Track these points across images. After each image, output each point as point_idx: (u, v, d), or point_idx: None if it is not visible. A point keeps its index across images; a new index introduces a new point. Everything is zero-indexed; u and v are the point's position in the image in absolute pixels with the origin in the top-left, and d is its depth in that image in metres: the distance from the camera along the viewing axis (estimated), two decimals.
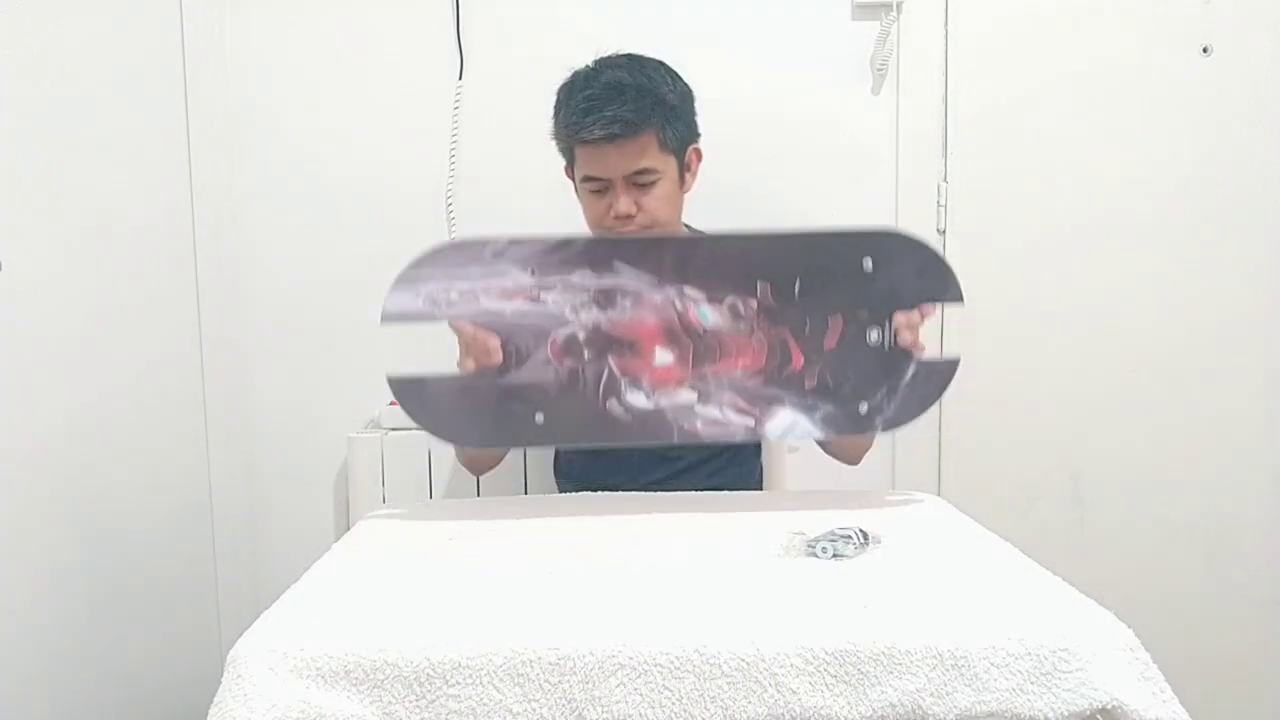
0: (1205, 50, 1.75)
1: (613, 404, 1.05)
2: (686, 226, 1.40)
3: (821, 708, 0.73)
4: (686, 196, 1.36)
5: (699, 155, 1.35)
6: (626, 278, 1.05)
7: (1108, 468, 1.80)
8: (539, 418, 1.05)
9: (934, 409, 1.72)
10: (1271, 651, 1.82)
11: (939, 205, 1.76)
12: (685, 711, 0.73)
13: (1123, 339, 1.78)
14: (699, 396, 1.06)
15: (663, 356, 1.06)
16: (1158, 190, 1.77)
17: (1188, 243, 1.77)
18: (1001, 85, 1.75)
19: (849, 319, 1.06)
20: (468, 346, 1.08)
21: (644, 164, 1.26)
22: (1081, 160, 1.76)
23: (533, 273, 1.05)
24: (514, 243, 1.05)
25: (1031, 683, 0.74)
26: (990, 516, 1.12)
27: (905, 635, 0.75)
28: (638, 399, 1.05)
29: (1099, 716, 0.74)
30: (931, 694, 0.74)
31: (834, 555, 0.93)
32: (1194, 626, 1.79)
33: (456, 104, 1.72)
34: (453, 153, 1.73)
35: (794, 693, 0.73)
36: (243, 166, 1.72)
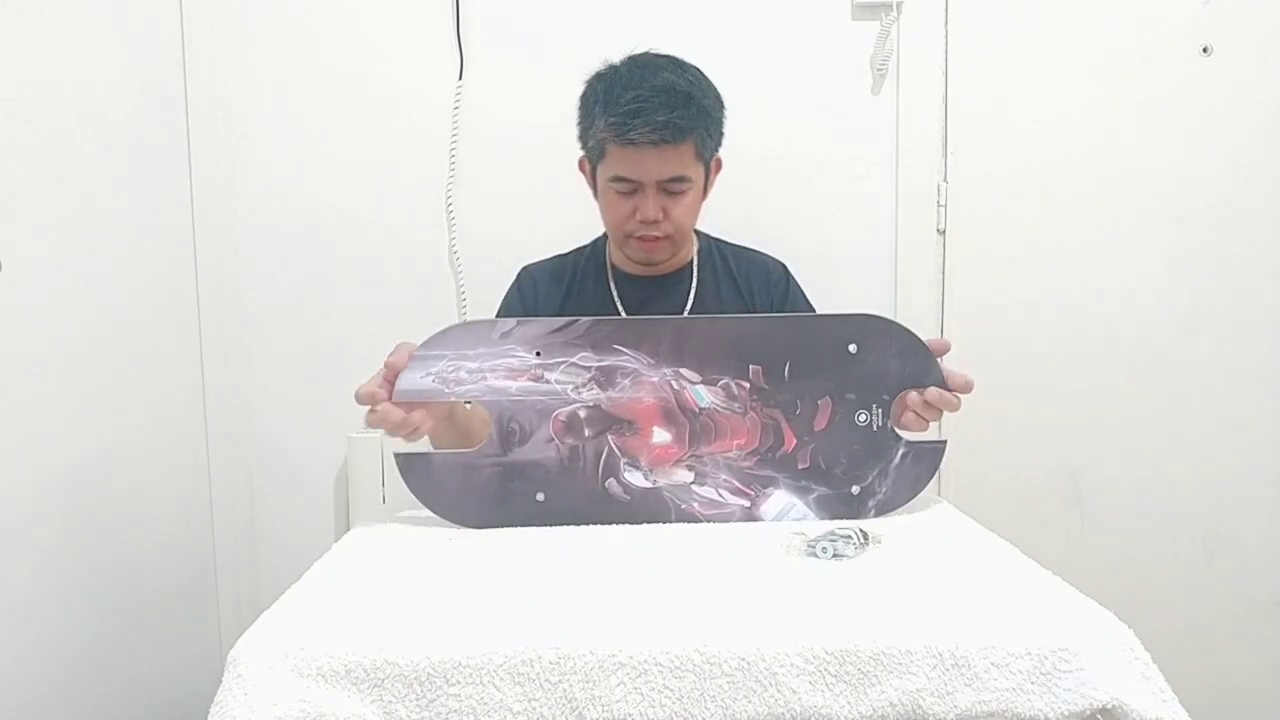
0: (1205, 50, 1.75)
1: (612, 483, 1.09)
2: (697, 234, 1.40)
3: (821, 707, 0.73)
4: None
5: (719, 165, 1.35)
6: (626, 358, 1.09)
7: (1108, 468, 1.80)
8: (540, 497, 1.09)
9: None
10: (1271, 651, 1.82)
11: (939, 205, 1.76)
12: (685, 711, 0.73)
13: (1123, 339, 1.79)
14: (696, 476, 1.09)
15: (660, 435, 1.09)
16: (1157, 190, 1.77)
17: (1188, 242, 1.78)
18: (1001, 85, 1.75)
19: (837, 401, 1.10)
20: (394, 428, 1.09)
21: (680, 171, 1.25)
22: (1081, 160, 1.76)
23: (538, 353, 1.08)
24: (521, 323, 1.09)
25: (1031, 682, 0.74)
26: (990, 516, 1.12)
27: (905, 635, 0.75)
28: (636, 478, 1.09)
29: (1099, 716, 0.74)
30: (932, 694, 0.74)
31: (834, 555, 0.93)
32: (1194, 626, 1.80)
33: (456, 104, 1.72)
34: (453, 153, 1.73)
35: (794, 692, 0.73)
36: (242, 167, 1.72)
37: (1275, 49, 1.75)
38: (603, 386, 1.09)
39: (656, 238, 1.29)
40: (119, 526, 1.45)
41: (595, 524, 1.09)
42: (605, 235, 1.41)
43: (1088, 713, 0.74)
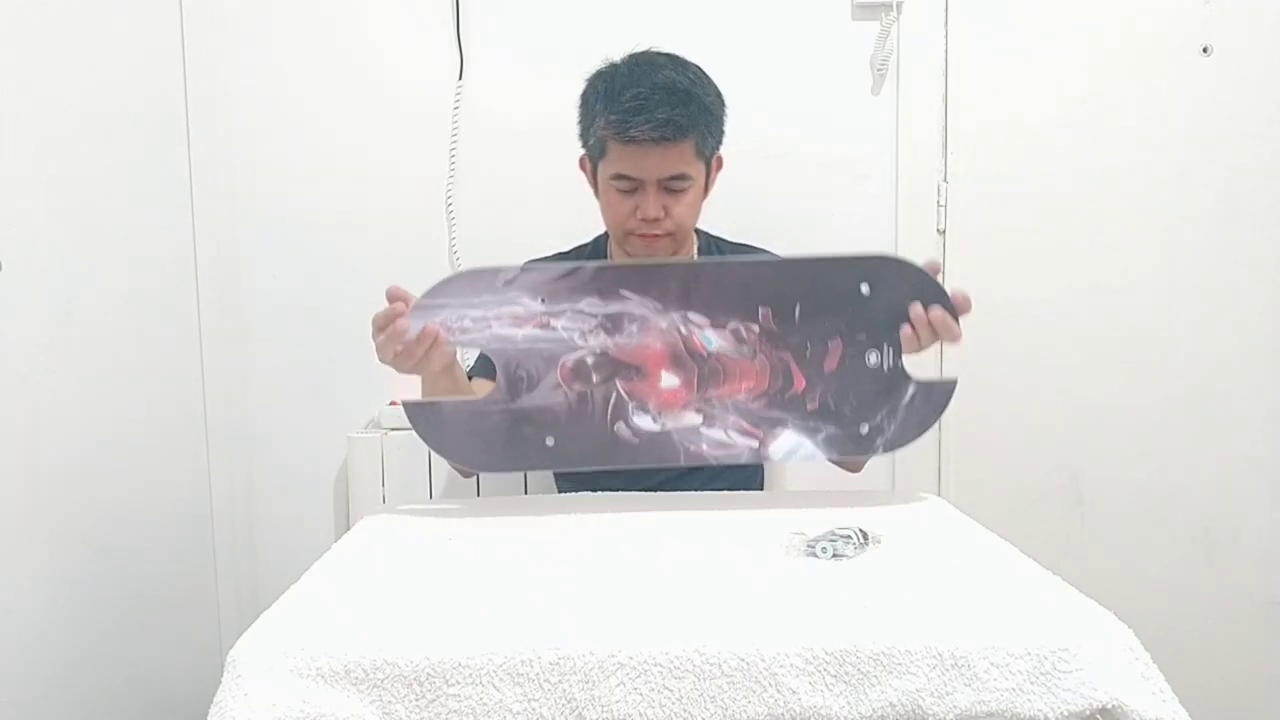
0: (1205, 50, 1.75)
1: (620, 427, 1.08)
2: (697, 232, 1.40)
3: (821, 707, 0.73)
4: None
5: (720, 163, 1.34)
6: (633, 304, 1.08)
7: (1108, 468, 1.80)
8: (549, 441, 1.08)
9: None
10: (1271, 651, 1.82)
11: (939, 205, 1.76)
12: (685, 711, 0.73)
13: (1123, 339, 1.79)
14: (704, 419, 1.08)
15: (669, 380, 1.08)
16: (1157, 190, 1.77)
17: (1188, 242, 1.77)
18: (1001, 85, 1.75)
19: (848, 342, 1.09)
20: (378, 328, 1.07)
21: (681, 169, 1.24)
22: (1081, 160, 1.76)
23: (543, 300, 1.07)
24: (525, 270, 1.08)
25: (1031, 683, 0.74)
26: (990, 516, 1.12)
27: (905, 635, 0.75)
28: (645, 422, 1.08)
29: (1099, 716, 0.74)
30: (931, 694, 0.74)
31: (834, 555, 0.93)
32: (1194, 626, 1.79)
33: (456, 104, 1.72)
34: (453, 153, 1.73)
35: (794, 692, 0.73)
36: (242, 166, 1.72)
37: (1275, 49, 1.75)
38: (610, 332, 1.08)
39: (657, 235, 1.28)
40: (119, 526, 1.45)
41: (605, 465, 1.08)
42: (606, 233, 1.41)
43: (1087, 713, 0.74)
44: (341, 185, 1.73)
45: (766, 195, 1.73)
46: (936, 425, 1.75)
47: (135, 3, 1.57)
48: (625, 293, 1.08)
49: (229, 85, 1.71)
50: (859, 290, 1.08)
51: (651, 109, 1.19)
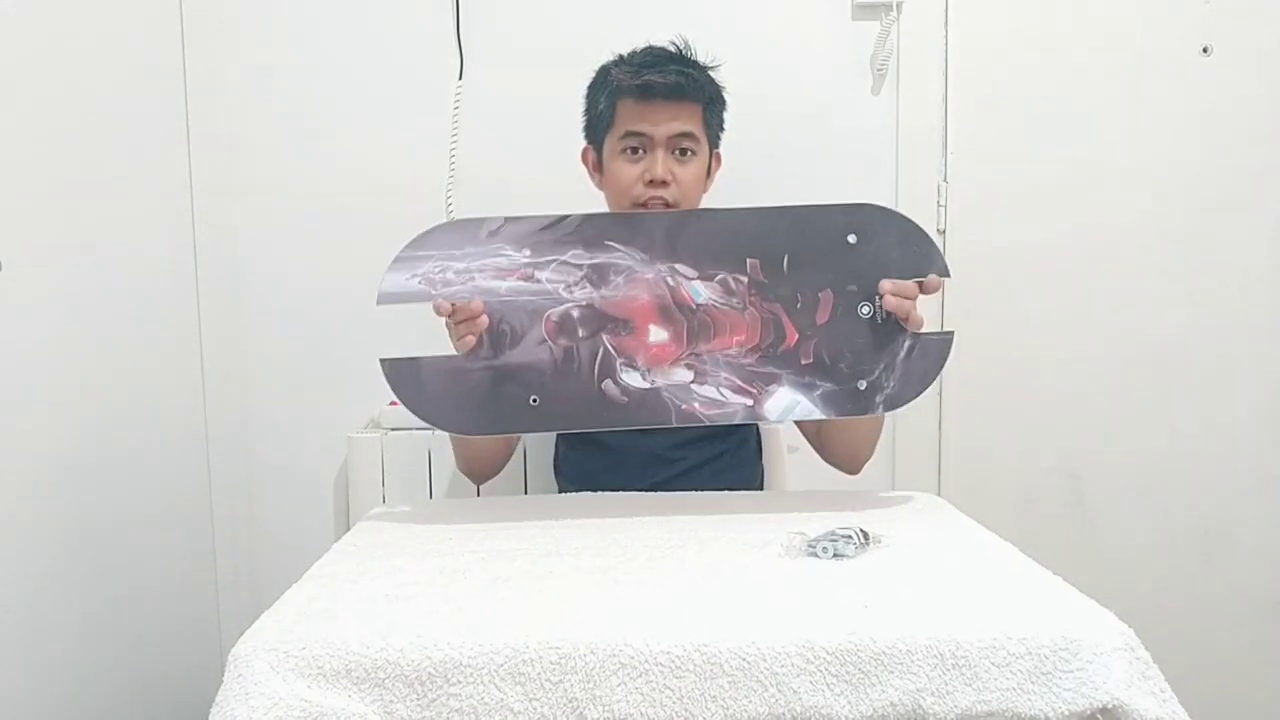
0: (1205, 50, 1.75)
1: (608, 385, 1.05)
2: None
3: (822, 707, 0.73)
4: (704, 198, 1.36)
5: (719, 160, 1.35)
6: (619, 255, 1.06)
7: (1108, 468, 1.80)
8: (534, 400, 1.04)
9: (934, 409, 1.76)
10: (1271, 651, 1.82)
11: (939, 205, 1.76)
12: (686, 710, 0.73)
13: (1122, 339, 1.79)
14: (695, 375, 1.05)
15: (657, 334, 1.05)
16: (1157, 190, 1.77)
17: (1187, 243, 1.78)
18: (1001, 85, 1.75)
19: (839, 293, 1.06)
20: (455, 318, 1.06)
21: (690, 128, 1.27)
22: (1081, 160, 1.76)
23: (527, 251, 1.05)
24: (509, 221, 1.06)
25: (1032, 682, 0.74)
26: (990, 516, 1.12)
27: (906, 635, 0.75)
28: (634, 379, 1.05)
29: (1099, 716, 0.74)
30: (932, 693, 0.74)
31: (834, 555, 0.93)
32: (1194, 626, 1.79)
33: (456, 104, 1.72)
34: (453, 153, 1.73)
35: (795, 692, 0.73)
36: (242, 166, 1.72)
37: (1275, 49, 1.75)
38: (595, 285, 1.05)
39: (664, 204, 1.27)
40: (119, 526, 1.45)
41: (592, 427, 1.04)
42: None
43: (1088, 712, 0.74)
44: (342, 185, 1.73)
45: (767, 195, 1.71)
46: (937, 426, 1.79)
47: (135, 3, 1.57)
48: (611, 243, 1.05)
49: (229, 85, 1.71)
50: (846, 240, 1.06)
51: (664, 64, 1.26)
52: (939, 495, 1.37)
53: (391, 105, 1.72)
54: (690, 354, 1.05)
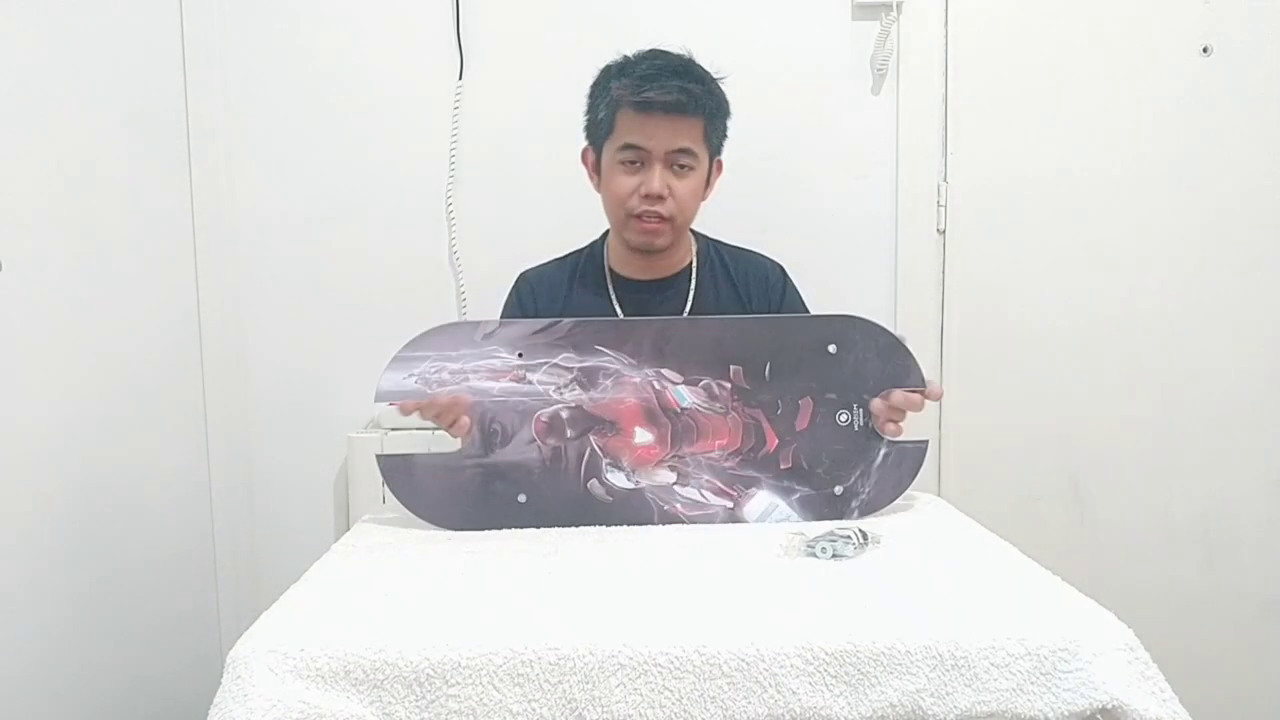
0: (1205, 50, 1.75)
1: (594, 484, 1.09)
2: (696, 235, 1.40)
3: (821, 708, 0.73)
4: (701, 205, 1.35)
5: (720, 166, 1.35)
6: (608, 359, 1.10)
7: (1108, 468, 1.80)
8: (521, 498, 1.09)
9: (934, 409, 1.76)
10: (1271, 651, 1.82)
11: (939, 205, 1.76)
12: (685, 711, 0.73)
13: (1122, 339, 1.78)
14: (678, 477, 1.10)
15: (643, 436, 1.10)
16: (1157, 190, 1.76)
17: (1187, 242, 1.77)
18: (1001, 85, 1.75)
19: (818, 400, 1.11)
20: (424, 415, 1.10)
21: (688, 144, 1.25)
22: (1081, 160, 1.76)
23: (520, 355, 1.09)
24: (503, 325, 1.10)
25: (1032, 683, 0.74)
26: (990, 516, 1.12)
27: (905, 635, 0.75)
28: (619, 479, 1.09)
29: (1099, 716, 0.74)
30: (931, 694, 0.74)
31: (834, 555, 0.93)
32: (1194, 626, 1.79)
33: (456, 104, 1.72)
34: (453, 153, 1.73)
35: (794, 693, 0.73)
36: (242, 167, 1.72)
37: (1275, 49, 1.74)
38: (585, 387, 1.09)
39: (658, 221, 1.27)
40: (119, 527, 1.45)
41: (578, 526, 1.08)
42: (603, 239, 1.40)
43: (1088, 713, 0.74)
44: (341, 185, 1.73)
45: (767, 195, 1.73)
46: (937, 426, 1.79)
47: (135, 3, 1.57)
48: (600, 347, 1.09)
49: (229, 85, 1.71)
50: (827, 350, 1.11)
51: (667, 78, 1.23)
52: (939, 495, 1.37)
53: (391, 105, 1.72)
54: (674, 456, 1.10)
